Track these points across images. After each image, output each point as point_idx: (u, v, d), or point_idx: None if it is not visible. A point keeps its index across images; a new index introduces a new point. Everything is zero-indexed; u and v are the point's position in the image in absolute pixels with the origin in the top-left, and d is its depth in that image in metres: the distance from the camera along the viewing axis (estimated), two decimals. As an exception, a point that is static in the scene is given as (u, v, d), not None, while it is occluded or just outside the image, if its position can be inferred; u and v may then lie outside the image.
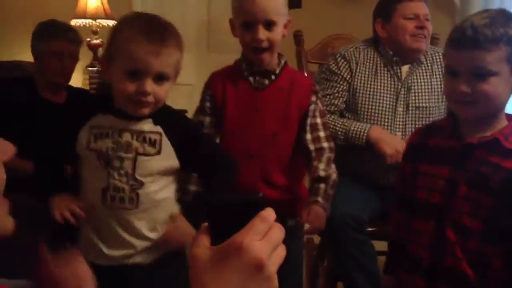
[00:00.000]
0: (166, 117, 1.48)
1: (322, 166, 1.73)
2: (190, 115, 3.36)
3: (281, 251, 0.63)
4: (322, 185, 1.71)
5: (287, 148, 1.76)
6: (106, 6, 3.61)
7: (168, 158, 1.44)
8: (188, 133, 1.51)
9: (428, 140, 1.49)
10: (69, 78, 2.37)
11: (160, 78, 1.38)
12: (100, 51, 3.65)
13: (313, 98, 1.75)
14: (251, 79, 1.75)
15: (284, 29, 1.71)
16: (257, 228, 0.61)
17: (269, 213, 0.63)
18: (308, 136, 1.74)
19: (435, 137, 1.49)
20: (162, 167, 1.44)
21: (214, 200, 0.65)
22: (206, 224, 0.64)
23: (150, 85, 1.36)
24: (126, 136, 1.41)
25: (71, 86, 2.47)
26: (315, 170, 1.72)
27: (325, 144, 1.76)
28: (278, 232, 0.63)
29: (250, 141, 1.73)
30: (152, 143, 1.42)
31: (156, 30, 1.38)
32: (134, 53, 1.34)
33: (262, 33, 1.63)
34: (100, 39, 3.62)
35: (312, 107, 1.75)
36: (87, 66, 3.53)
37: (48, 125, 2.24)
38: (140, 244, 1.45)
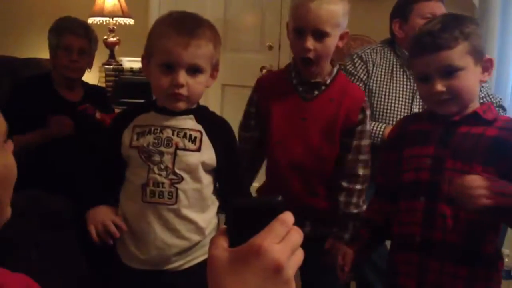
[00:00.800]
0: (208, 117, 1.50)
1: (354, 200, 1.70)
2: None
3: (299, 255, 0.63)
4: (351, 221, 1.70)
5: (331, 162, 1.69)
6: (123, 4, 3.63)
7: (207, 156, 1.45)
8: (226, 140, 1.52)
9: (407, 128, 1.54)
10: (79, 73, 2.37)
11: (193, 70, 1.39)
12: (117, 49, 3.67)
13: (361, 116, 1.67)
14: (300, 88, 1.68)
15: (340, 41, 1.64)
16: (276, 231, 0.61)
17: (288, 217, 0.63)
18: (349, 157, 1.69)
19: (413, 123, 1.54)
20: (201, 163, 1.44)
21: (234, 202, 0.65)
22: (224, 226, 0.65)
23: (183, 77, 1.38)
24: (167, 132, 1.43)
25: (87, 83, 2.49)
26: (346, 205, 1.70)
27: (361, 171, 1.69)
28: (297, 235, 0.63)
29: (294, 151, 1.67)
30: (193, 140, 1.43)
31: (186, 23, 1.41)
32: (165, 46, 1.38)
33: (310, 43, 1.56)
34: (117, 37, 3.65)
35: (359, 127, 1.67)
36: (103, 64, 3.56)
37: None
38: (177, 244, 1.44)
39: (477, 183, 1.23)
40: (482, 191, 1.22)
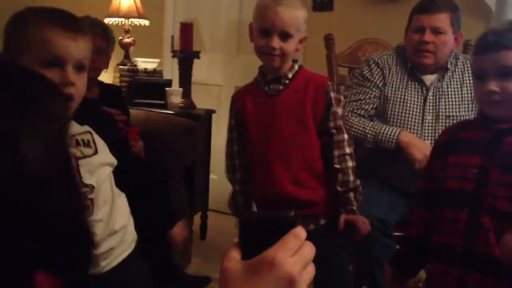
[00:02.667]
0: (90, 114, 1.41)
1: (351, 178, 1.77)
2: (218, 115, 3.40)
3: (311, 269, 0.64)
4: (352, 194, 1.77)
5: (310, 149, 1.78)
6: (139, 5, 3.66)
7: (104, 153, 1.40)
8: (117, 134, 1.48)
9: (458, 135, 1.53)
10: (96, 72, 2.38)
11: (79, 67, 1.28)
12: (132, 50, 3.70)
13: (327, 98, 1.76)
14: (266, 88, 1.80)
15: (298, 44, 1.76)
16: (290, 245, 0.62)
17: (301, 231, 0.64)
18: (334, 139, 1.78)
19: (464, 131, 1.52)
20: (101, 165, 1.39)
21: (246, 215, 0.67)
22: (236, 239, 0.65)
23: (72, 75, 1.25)
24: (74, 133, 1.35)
25: (103, 82, 2.51)
26: (344, 183, 1.77)
27: (347, 149, 1.78)
28: (309, 250, 0.64)
29: (272, 145, 1.77)
30: (87, 144, 1.37)
31: (66, 16, 1.31)
32: (51, 40, 1.24)
33: (276, 42, 1.70)
34: (132, 38, 3.67)
35: (331, 109, 1.77)
36: (118, 64, 3.58)
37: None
38: (98, 251, 1.36)
39: None
40: None
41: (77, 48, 1.26)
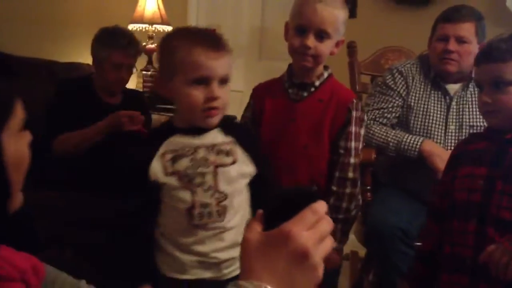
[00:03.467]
0: (232, 125, 1.50)
1: (344, 205, 1.69)
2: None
3: (328, 243, 0.66)
4: (339, 226, 1.68)
5: (319, 162, 1.70)
6: (163, 12, 3.68)
7: (244, 165, 1.45)
8: (255, 145, 1.52)
9: (467, 147, 1.54)
10: (124, 86, 2.45)
11: (223, 81, 1.40)
12: (155, 56, 3.72)
13: (347, 116, 1.69)
14: (290, 90, 1.73)
15: (335, 47, 1.69)
16: (307, 219, 0.65)
17: (320, 206, 0.67)
18: (339, 160, 1.70)
19: (473, 144, 1.54)
20: (239, 174, 1.44)
21: (270, 189, 0.69)
22: (261, 211, 0.69)
23: (217, 90, 1.37)
24: (201, 152, 1.41)
25: (126, 88, 2.53)
26: (335, 209, 1.68)
27: (350, 174, 1.69)
28: (327, 224, 0.66)
29: (281, 151, 1.70)
30: (227, 153, 1.43)
31: (208, 36, 1.42)
32: (198, 62, 1.35)
33: (311, 41, 1.62)
34: (155, 44, 3.70)
35: (347, 128, 1.69)
36: (141, 70, 3.61)
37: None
38: (226, 254, 1.43)
39: (503, 257, 1.23)
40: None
41: (220, 65, 1.38)
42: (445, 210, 1.51)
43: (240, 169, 1.44)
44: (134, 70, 2.46)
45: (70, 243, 2.08)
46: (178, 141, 1.43)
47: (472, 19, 2.12)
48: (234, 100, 4.22)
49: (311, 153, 1.69)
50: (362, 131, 1.73)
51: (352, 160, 1.69)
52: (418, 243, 1.97)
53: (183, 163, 1.40)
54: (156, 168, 1.41)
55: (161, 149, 1.42)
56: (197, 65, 1.35)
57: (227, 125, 1.47)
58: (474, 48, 2.12)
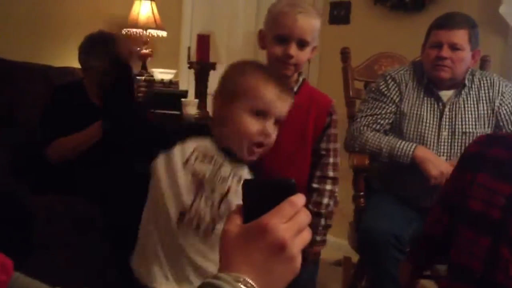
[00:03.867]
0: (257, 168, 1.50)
1: (325, 201, 1.74)
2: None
3: (306, 235, 0.67)
4: (322, 220, 1.74)
5: (304, 167, 1.76)
6: (157, 17, 3.69)
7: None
8: None
9: (488, 150, 1.46)
10: None
11: (278, 121, 1.43)
12: (149, 61, 3.73)
13: (328, 120, 1.76)
14: None
15: (310, 53, 1.74)
16: (284, 212, 0.66)
17: (298, 199, 0.68)
18: (321, 161, 1.76)
19: (496, 147, 1.46)
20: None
21: (248, 181, 0.71)
22: (240, 204, 0.70)
23: (271, 128, 1.41)
24: (225, 171, 1.41)
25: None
26: (316, 204, 1.74)
27: (330, 173, 1.76)
28: (304, 217, 0.67)
29: (269, 159, 1.66)
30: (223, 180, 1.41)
31: (283, 81, 1.47)
32: (267, 96, 1.39)
33: (294, 50, 1.67)
34: (150, 49, 3.70)
35: (327, 131, 1.76)
36: (135, 75, 3.61)
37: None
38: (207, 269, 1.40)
39: None
40: None
41: (283, 107, 1.43)
42: (457, 209, 1.47)
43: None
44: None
45: (63, 247, 2.08)
46: (211, 149, 1.42)
47: (466, 27, 2.13)
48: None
49: (297, 159, 1.74)
50: (337, 132, 1.80)
51: (332, 160, 1.76)
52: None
53: (204, 168, 1.40)
54: (178, 153, 1.40)
55: (192, 142, 1.42)
56: (264, 98, 1.39)
57: (253, 164, 1.48)
58: (467, 55, 2.14)
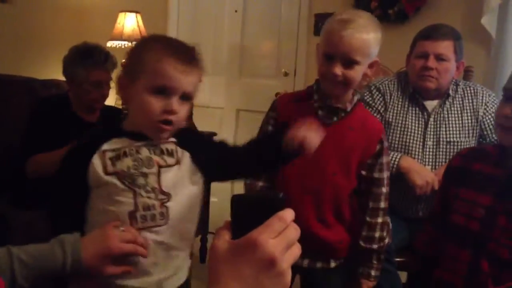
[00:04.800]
0: (180, 132, 1.43)
1: (377, 235, 1.68)
2: (219, 137, 3.39)
3: (295, 250, 0.67)
4: (374, 256, 1.70)
5: (344, 191, 1.68)
6: (142, 28, 3.69)
7: (187, 166, 1.39)
8: (200, 139, 1.49)
9: (471, 165, 1.47)
10: (103, 102, 2.44)
11: (185, 97, 1.34)
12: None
13: (379, 147, 1.67)
14: (320, 112, 1.66)
15: (368, 69, 1.64)
16: (274, 227, 0.66)
17: (287, 213, 0.67)
18: (372, 190, 1.69)
19: (479, 162, 1.47)
20: (185, 177, 1.39)
21: (236, 197, 0.69)
22: (229, 219, 0.69)
23: (176, 104, 1.32)
24: (144, 151, 1.34)
25: (104, 105, 2.52)
26: (368, 239, 1.69)
27: (382, 204, 1.70)
28: (294, 232, 0.67)
29: (309, 177, 1.66)
30: (170, 153, 1.38)
31: (184, 50, 1.37)
32: (164, 70, 1.30)
33: (338, 69, 1.57)
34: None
35: (379, 159, 1.67)
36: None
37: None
38: (174, 263, 1.38)
39: None
40: None
41: (186, 80, 1.32)
42: (443, 225, 1.48)
43: (184, 169, 1.38)
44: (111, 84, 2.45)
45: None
46: (120, 142, 1.35)
47: (451, 38, 2.16)
48: (215, 116, 4.24)
49: (338, 181, 1.66)
50: (387, 160, 1.72)
51: (384, 190, 1.69)
52: (398, 259, 1.98)
53: (125, 163, 1.32)
54: (96, 165, 1.32)
55: (103, 147, 1.34)
56: (162, 74, 1.30)
57: (175, 133, 1.41)
58: (452, 66, 2.16)
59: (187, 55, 1.35)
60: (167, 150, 1.38)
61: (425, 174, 2.05)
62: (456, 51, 2.15)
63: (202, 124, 3.37)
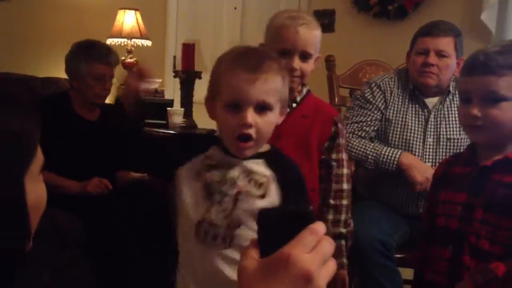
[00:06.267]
0: (279, 160, 1.39)
1: (343, 217, 1.68)
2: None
3: (331, 265, 0.62)
4: (343, 242, 1.67)
5: (310, 178, 1.64)
6: (142, 26, 3.69)
7: (272, 202, 1.33)
8: (295, 184, 1.40)
9: (450, 170, 1.50)
10: (107, 96, 2.46)
11: (261, 107, 1.28)
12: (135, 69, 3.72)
13: (334, 129, 1.69)
14: None
15: (314, 63, 1.71)
16: (306, 241, 0.60)
17: (319, 226, 0.62)
18: (333, 172, 1.69)
19: (456, 166, 1.49)
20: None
21: (263, 212, 0.65)
22: (255, 237, 0.64)
23: (251, 116, 1.26)
24: (234, 173, 1.32)
25: (104, 103, 2.52)
26: (336, 223, 1.67)
27: (345, 186, 1.70)
28: (328, 245, 0.62)
29: None
30: (259, 185, 1.33)
31: (252, 57, 1.31)
32: (231, 84, 1.27)
33: (297, 63, 1.64)
34: (135, 58, 3.69)
35: (336, 141, 1.69)
36: (121, 85, 3.60)
37: (80, 141, 2.31)
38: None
39: None
40: None
41: (257, 90, 1.26)
42: (429, 231, 1.49)
43: (265, 205, 1.32)
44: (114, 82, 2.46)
45: (47, 264, 2.05)
46: (220, 155, 1.35)
47: (452, 34, 2.15)
48: (214, 114, 4.18)
49: (304, 172, 1.60)
50: (344, 142, 1.75)
51: (345, 171, 1.71)
52: (398, 255, 1.98)
53: (212, 175, 1.33)
54: (196, 164, 1.35)
55: (208, 152, 1.36)
56: (230, 88, 1.27)
57: (273, 157, 1.37)
58: (452, 62, 2.16)
59: (253, 62, 1.28)
60: (256, 181, 1.33)
61: (425, 170, 2.05)
62: (457, 47, 2.15)
63: (202, 122, 3.37)
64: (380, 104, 2.23)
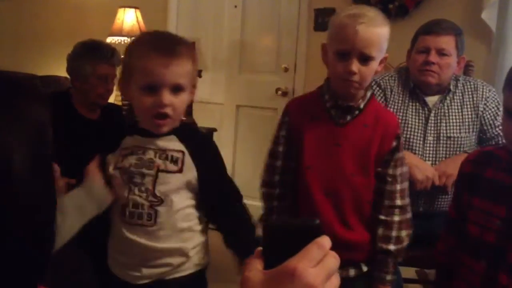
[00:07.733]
0: (191, 135, 1.49)
1: (393, 234, 1.60)
2: (219, 133, 3.40)
3: (335, 281, 0.61)
4: (389, 259, 1.61)
5: (365, 191, 1.61)
6: (142, 24, 3.68)
7: (189, 176, 1.43)
8: (209, 157, 1.50)
9: (483, 172, 1.42)
10: (109, 98, 2.45)
11: (175, 89, 1.38)
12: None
13: (395, 143, 1.60)
14: (333, 112, 1.60)
15: (379, 65, 1.57)
16: (312, 255, 0.60)
17: (325, 241, 0.62)
18: (387, 187, 1.61)
19: (489, 168, 1.42)
20: (181, 184, 1.43)
21: (270, 223, 0.65)
22: (260, 248, 0.64)
23: (167, 97, 1.36)
24: (150, 154, 1.42)
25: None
26: (385, 240, 1.61)
27: (398, 202, 1.61)
28: (333, 260, 0.61)
29: (327, 178, 1.59)
30: (174, 161, 1.42)
31: (165, 42, 1.40)
32: (147, 68, 1.35)
33: (356, 66, 1.50)
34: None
35: (395, 155, 1.60)
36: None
37: (81, 140, 2.30)
38: (157, 271, 1.44)
39: None
40: None
41: (172, 73, 1.36)
42: (459, 234, 1.44)
43: (183, 179, 1.42)
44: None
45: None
46: (133, 139, 1.45)
47: (453, 33, 2.15)
48: (215, 112, 4.24)
49: (358, 181, 1.59)
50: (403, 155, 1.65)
51: (399, 187, 1.61)
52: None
53: (129, 161, 1.42)
54: (111, 160, 1.45)
55: (122, 145, 1.46)
56: (145, 72, 1.35)
57: (185, 132, 1.47)
58: (453, 61, 2.16)
59: (166, 47, 1.38)
60: (172, 157, 1.42)
61: (425, 169, 2.05)
62: (458, 46, 2.15)
63: (202, 120, 3.37)
64: (381, 102, 2.23)
